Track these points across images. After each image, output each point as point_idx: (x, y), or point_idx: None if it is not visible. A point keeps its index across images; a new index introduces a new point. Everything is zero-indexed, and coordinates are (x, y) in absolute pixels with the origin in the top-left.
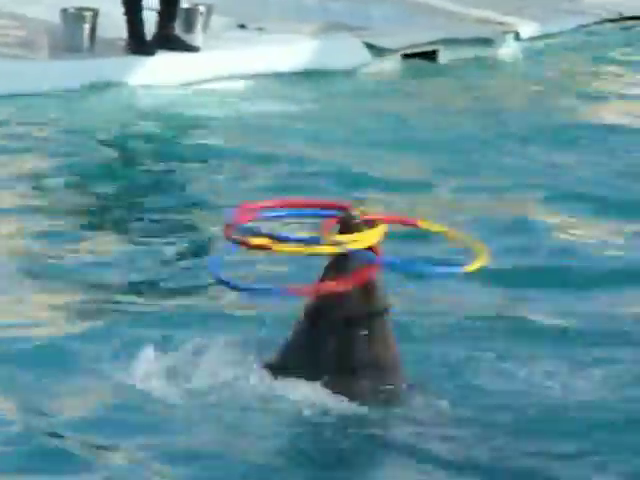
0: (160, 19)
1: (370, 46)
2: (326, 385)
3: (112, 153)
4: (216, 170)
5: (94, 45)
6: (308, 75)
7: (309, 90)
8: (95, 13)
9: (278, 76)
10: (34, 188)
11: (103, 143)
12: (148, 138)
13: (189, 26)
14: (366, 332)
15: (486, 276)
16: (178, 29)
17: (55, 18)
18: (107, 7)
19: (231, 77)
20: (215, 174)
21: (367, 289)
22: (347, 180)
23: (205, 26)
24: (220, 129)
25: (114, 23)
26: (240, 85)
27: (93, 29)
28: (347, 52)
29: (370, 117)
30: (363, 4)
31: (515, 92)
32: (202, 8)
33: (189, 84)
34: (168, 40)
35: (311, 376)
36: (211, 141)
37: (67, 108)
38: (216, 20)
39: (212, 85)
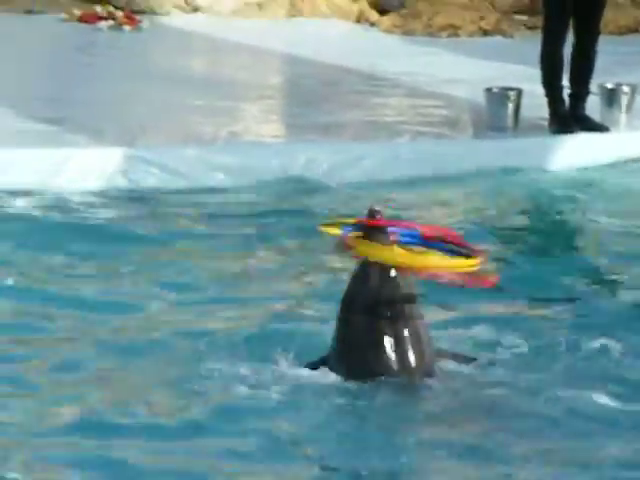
0: (571, 99)
1: None
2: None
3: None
4: None
5: (518, 125)
6: None
7: None
8: (519, 93)
9: None
10: None
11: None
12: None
13: (611, 106)
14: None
15: None
16: (601, 108)
17: (478, 97)
18: (529, 86)
19: None
20: None
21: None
22: None
23: (629, 106)
24: None
25: (536, 102)
26: None
27: (517, 109)
28: None
29: None
30: None
31: None
32: (626, 88)
33: (610, 164)
34: (577, 120)
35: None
36: None
37: (493, 187)
38: None
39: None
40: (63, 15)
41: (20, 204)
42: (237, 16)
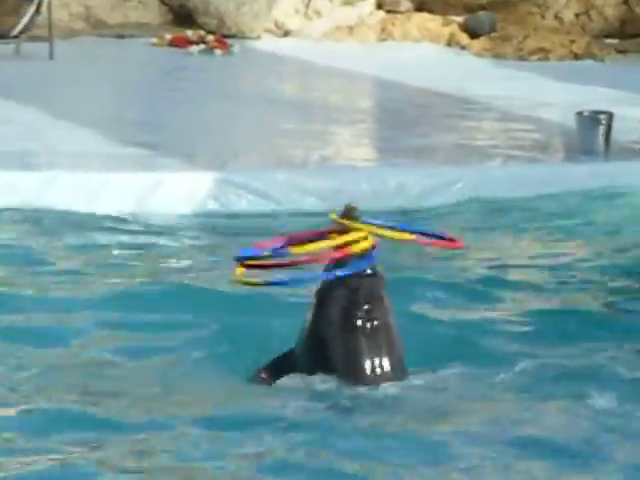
0: None
1: None
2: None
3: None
4: None
5: (609, 148)
6: None
7: None
8: (610, 116)
9: None
10: None
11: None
12: None
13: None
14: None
15: None
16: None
17: (569, 121)
18: (620, 110)
19: None
20: None
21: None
22: None
23: None
24: None
25: (628, 126)
26: None
27: (608, 132)
28: None
29: None
30: None
31: None
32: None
33: None
34: None
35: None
36: None
37: (584, 211)
38: None
39: None
40: (154, 39)
41: (112, 227)
42: (328, 39)
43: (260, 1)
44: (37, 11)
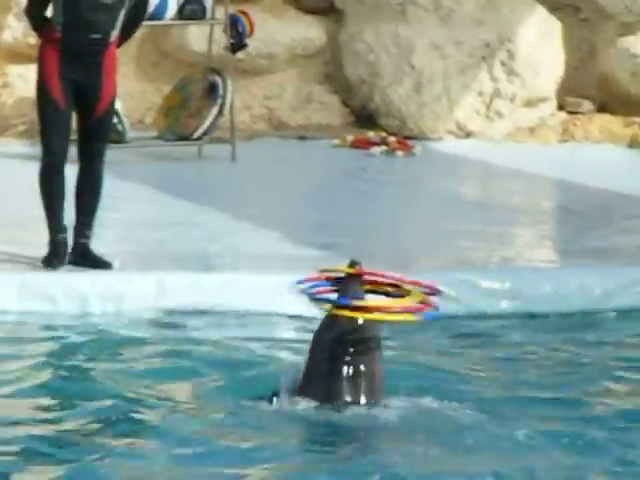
0: None
1: None
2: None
3: None
4: None
5: None
6: None
7: None
8: None
9: None
10: None
11: None
12: None
13: None
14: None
15: None
16: None
17: None
18: None
19: None
20: None
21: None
22: None
23: None
24: None
25: None
26: None
27: None
28: None
29: None
30: None
31: None
32: None
33: None
34: None
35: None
36: None
37: None
38: None
39: None
40: (336, 141)
41: (295, 327)
42: (508, 140)
43: (442, 103)
44: (220, 113)
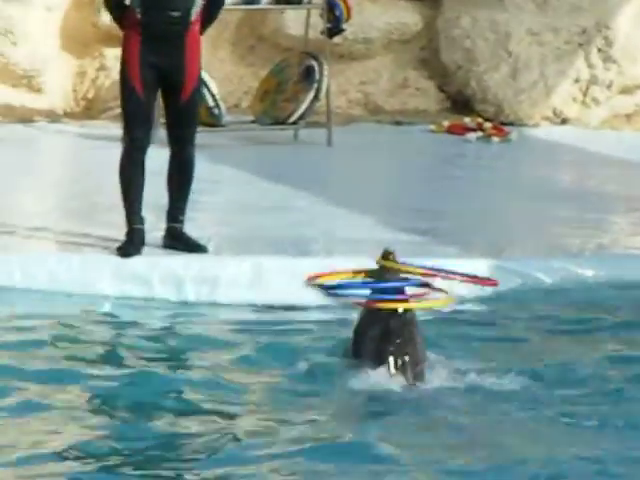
0: None
1: None
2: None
3: None
4: None
5: None
6: None
7: None
8: None
9: None
10: None
11: None
12: None
13: None
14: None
15: None
16: None
17: None
18: None
19: None
20: None
21: None
22: None
23: None
24: None
25: None
26: None
27: None
28: None
29: None
30: None
31: None
32: None
33: None
34: None
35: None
36: None
37: None
38: None
39: None
40: (432, 126)
41: None
42: (605, 127)
43: (539, 89)
44: (316, 97)
